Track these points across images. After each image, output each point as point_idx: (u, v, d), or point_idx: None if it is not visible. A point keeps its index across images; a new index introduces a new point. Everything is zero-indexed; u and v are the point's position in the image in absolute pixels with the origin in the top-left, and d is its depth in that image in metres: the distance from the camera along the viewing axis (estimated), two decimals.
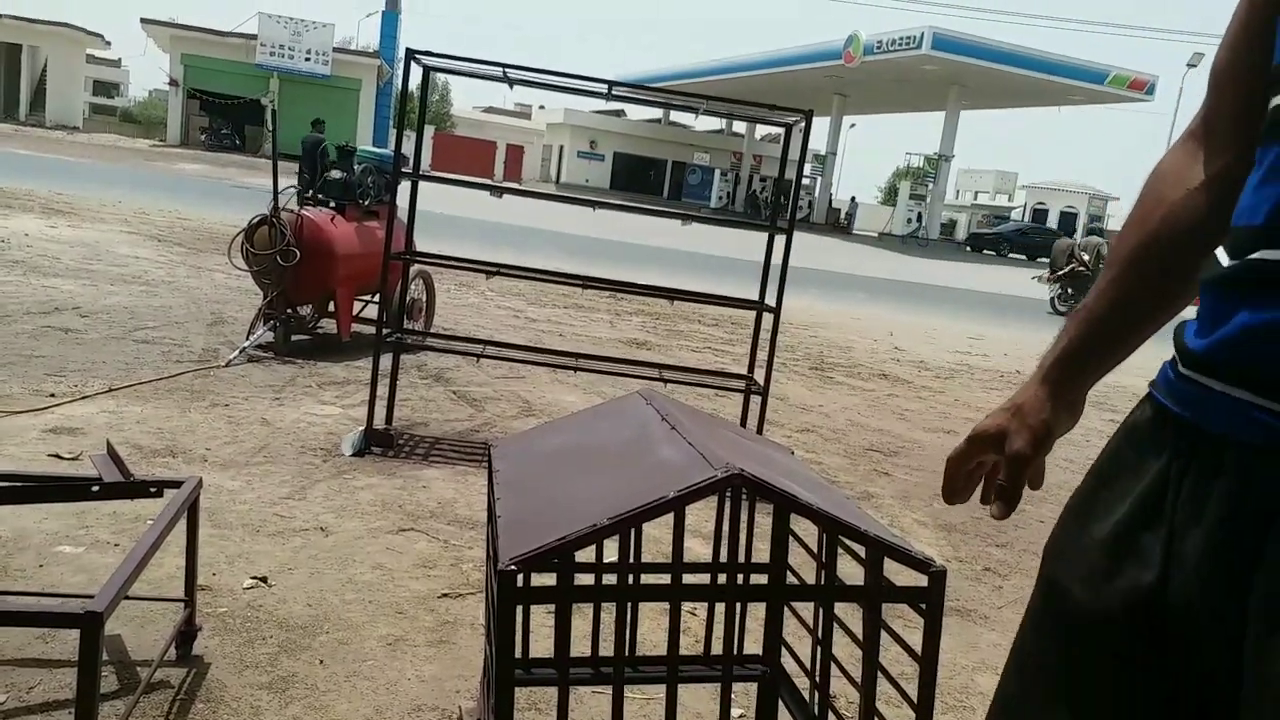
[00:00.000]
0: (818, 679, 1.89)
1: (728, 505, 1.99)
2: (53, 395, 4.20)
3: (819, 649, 1.87)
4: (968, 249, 37.50)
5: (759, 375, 4.30)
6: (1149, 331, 0.99)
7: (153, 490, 2.06)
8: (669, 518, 1.57)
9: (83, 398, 4.23)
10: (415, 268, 5.87)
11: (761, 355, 4.34)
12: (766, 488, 1.43)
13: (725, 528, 1.99)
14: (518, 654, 1.89)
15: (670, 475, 1.51)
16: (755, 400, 4.26)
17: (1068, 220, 47.03)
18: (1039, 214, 47.93)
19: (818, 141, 39.77)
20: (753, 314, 4.43)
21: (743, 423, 4.31)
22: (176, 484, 2.14)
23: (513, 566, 1.33)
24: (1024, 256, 36.00)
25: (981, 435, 1.05)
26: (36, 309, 5.90)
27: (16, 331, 5.28)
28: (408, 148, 4.68)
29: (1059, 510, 1.01)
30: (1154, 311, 0.97)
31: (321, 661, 2.36)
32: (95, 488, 1.98)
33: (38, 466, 3.33)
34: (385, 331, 4.33)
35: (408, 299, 5.97)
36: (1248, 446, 0.74)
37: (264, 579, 2.75)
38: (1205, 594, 0.76)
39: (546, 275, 4.45)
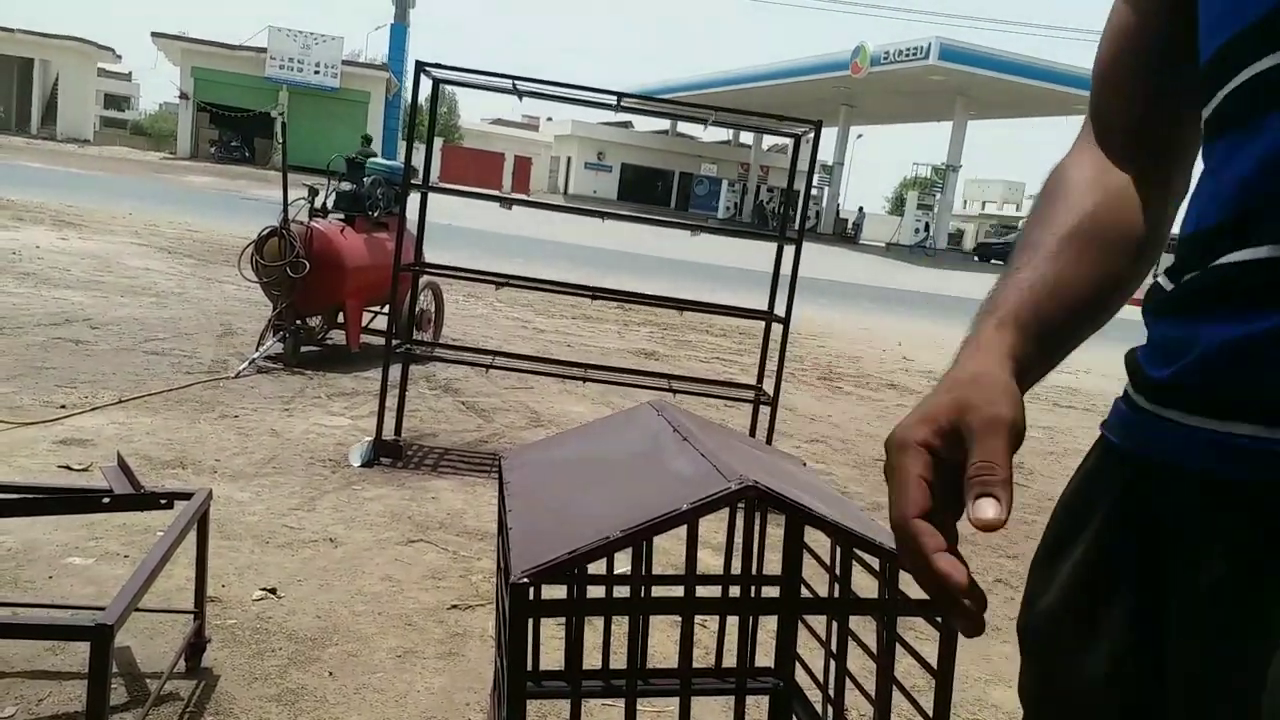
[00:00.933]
0: (831, 692, 1.87)
1: (740, 517, 1.98)
2: (63, 406, 4.21)
3: (832, 662, 1.86)
4: (976, 259, 37.45)
5: (768, 385, 4.29)
6: (1102, 314, 0.79)
7: (163, 502, 2.05)
8: (681, 529, 1.56)
9: (93, 409, 4.24)
10: (424, 279, 5.88)
11: (770, 365, 4.33)
12: (780, 500, 1.42)
13: (737, 540, 1.98)
14: (529, 666, 1.88)
15: (683, 487, 1.50)
16: (765, 411, 4.25)
17: None
18: None
19: (825, 152, 39.84)
20: (761, 324, 4.43)
21: (752, 433, 4.29)
22: (186, 495, 2.14)
23: (525, 579, 1.32)
24: None
25: (929, 420, 0.66)
26: (47, 320, 5.92)
27: (27, 343, 5.30)
28: (417, 160, 4.70)
29: None
30: (1108, 290, 0.78)
31: (331, 674, 2.36)
32: (106, 499, 1.98)
33: (48, 478, 3.34)
34: (394, 343, 4.33)
35: (416, 310, 5.98)
36: (1234, 484, 0.61)
37: (273, 590, 2.75)
38: (1201, 663, 0.63)
39: (554, 286, 4.45)
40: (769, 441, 4.21)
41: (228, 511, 3.28)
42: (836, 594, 1.85)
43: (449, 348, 5.10)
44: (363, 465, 4.00)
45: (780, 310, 4.20)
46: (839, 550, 1.77)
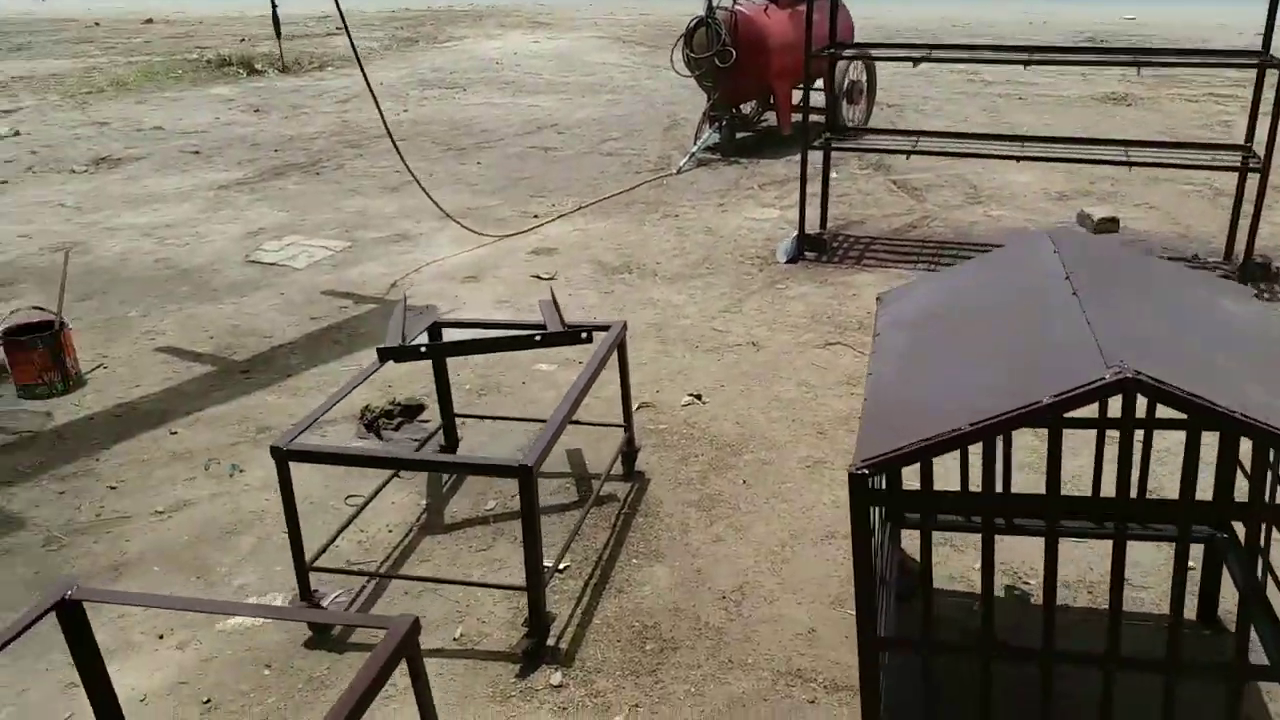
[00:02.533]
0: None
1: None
2: (535, 216, 4.82)
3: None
4: None
5: (1259, 147, 3.49)
6: None
7: (584, 336, 2.32)
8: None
9: (559, 217, 4.80)
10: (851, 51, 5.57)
11: (1265, 119, 3.50)
12: (1172, 395, 1.20)
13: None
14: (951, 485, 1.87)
15: (1052, 368, 1.33)
16: (1254, 180, 3.50)
17: None
18: None
19: None
20: None
21: (1234, 212, 3.59)
22: (604, 328, 2.39)
23: (865, 470, 1.30)
24: None
25: None
26: (522, 129, 6.70)
27: (507, 154, 6.07)
28: None
29: None
30: None
31: (745, 481, 2.56)
32: (538, 338, 2.29)
33: (522, 289, 3.90)
34: (811, 136, 4.22)
35: (847, 82, 5.73)
36: None
37: (699, 396, 3.01)
38: None
39: (976, 55, 3.96)
40: (1252, 233, 3.48)
41: (665, 316, 3.59)
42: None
43: (871, 132, 4.86)
44: (788, 261, 4.08)
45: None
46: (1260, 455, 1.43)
